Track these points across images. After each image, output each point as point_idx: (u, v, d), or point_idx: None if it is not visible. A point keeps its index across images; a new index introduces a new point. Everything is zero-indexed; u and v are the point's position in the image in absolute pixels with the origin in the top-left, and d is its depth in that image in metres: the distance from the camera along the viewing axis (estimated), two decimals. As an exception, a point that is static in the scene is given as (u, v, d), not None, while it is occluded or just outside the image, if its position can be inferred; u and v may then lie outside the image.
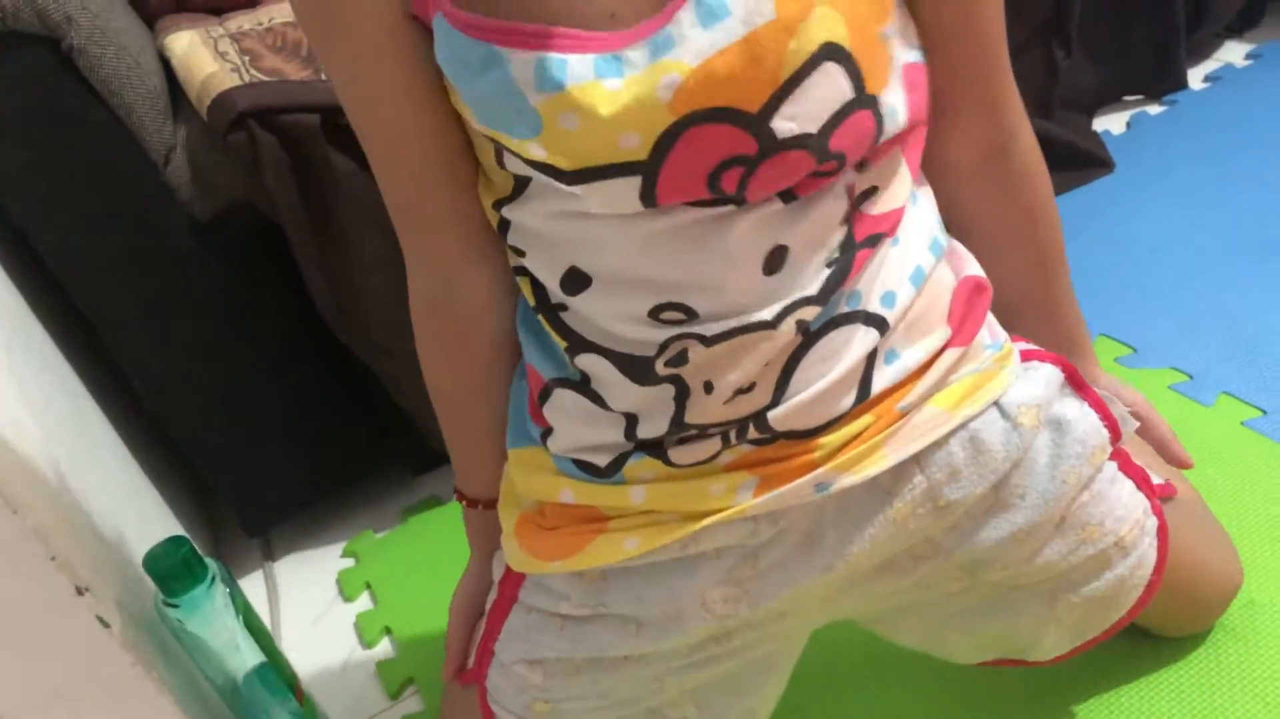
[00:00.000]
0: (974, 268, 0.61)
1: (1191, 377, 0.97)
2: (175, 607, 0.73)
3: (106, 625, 0.66)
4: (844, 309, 0.55)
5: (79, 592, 0.64)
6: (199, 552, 0.76)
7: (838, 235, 0.54)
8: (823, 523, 0.59)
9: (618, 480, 0.60)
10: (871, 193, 0.55)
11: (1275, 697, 0.70)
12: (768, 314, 0.53)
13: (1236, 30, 1.45)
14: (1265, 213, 1.14)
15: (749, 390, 0.55)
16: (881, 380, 0.57)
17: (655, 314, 0.54)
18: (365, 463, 1.10)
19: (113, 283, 0.90)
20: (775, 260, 0.53)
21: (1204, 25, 1.38)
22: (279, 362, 0.99)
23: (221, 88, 0.84)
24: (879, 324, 0.56)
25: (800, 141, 0.49)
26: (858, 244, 0.55)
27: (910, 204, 0.58)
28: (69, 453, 0.78)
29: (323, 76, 0.87)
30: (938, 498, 0.58)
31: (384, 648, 0.95)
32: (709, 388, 0.55)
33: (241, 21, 0.92)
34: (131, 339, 0.93)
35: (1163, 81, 1.38)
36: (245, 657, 0.76)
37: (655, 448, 0.58)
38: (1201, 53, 1.42)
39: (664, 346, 0.54)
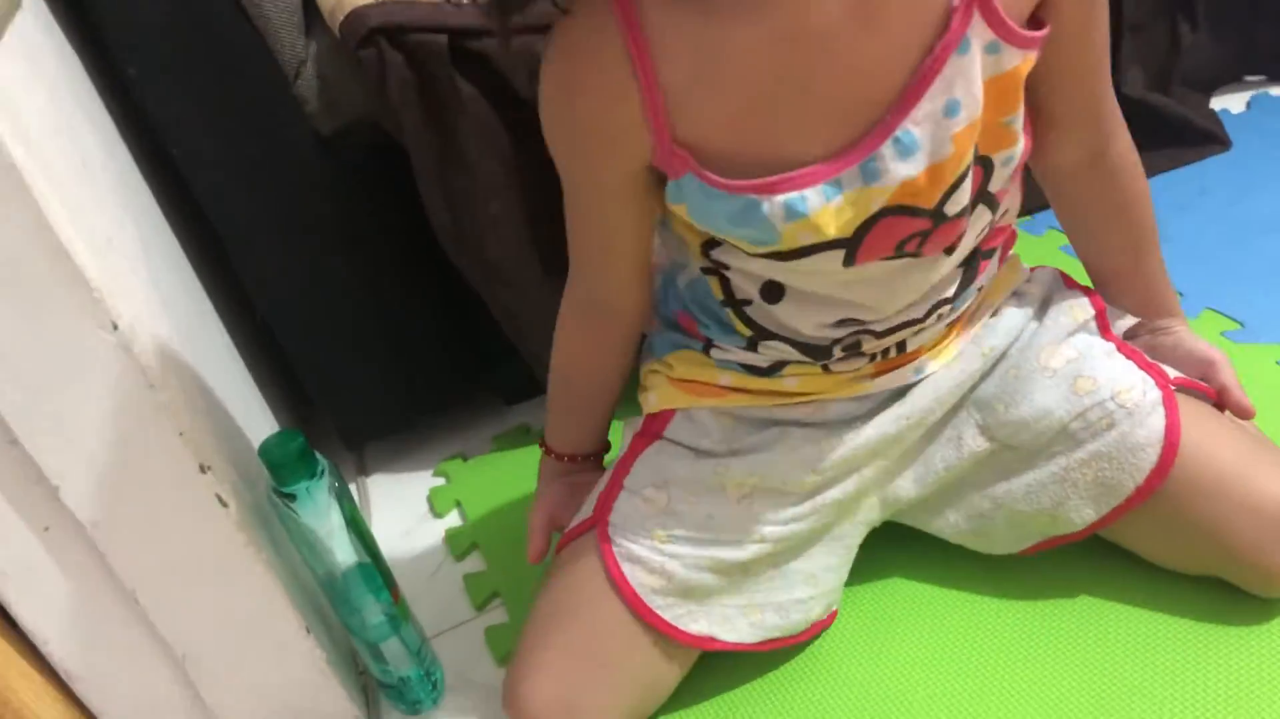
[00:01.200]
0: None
1: (1300, 353, 0.95)
2: (287, 496, 0.76)
3: (225, 505, 0.69)
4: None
5: (202, 469, 0.68)
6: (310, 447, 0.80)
7: (969, 248, 0.70)
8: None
9: (776, 375, 0.75)
10: (1002, 217, 0.71)
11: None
12: (920, 313, 0.71)
13: (1369, 16, 1.40)
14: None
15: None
16: (963, 307, 0.75)
17: (838, 324, 0.70)
18: (462, 389, 1.13)
19: (238, 190, 0.94)
20: (932, 288, 0.70)
21: (1337, 7, 1.33)
22: (390, 282, 1.02)
23: (355, 4, 0.86)
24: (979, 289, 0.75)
25: (959, 214, 0.64)
26: (982, 254, 0.72)
27: (1015, 194, 0.73)
28: (194, 345, 0.82)
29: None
30: (981, 345, 0.76)
31: (472, 562, 0.98)
32: (870, 353, 0.73)
33: (374, -59, 0.94)
34: (252, 247, 0.96)
35: (1288, 63, 1.35)
36: (348, 552, 0.79)
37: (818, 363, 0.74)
38: (1330, 37, 1.37)
39: (840, 340, 0.71)
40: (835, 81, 0.59)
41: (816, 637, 0.79)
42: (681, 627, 0.74)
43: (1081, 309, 0.77)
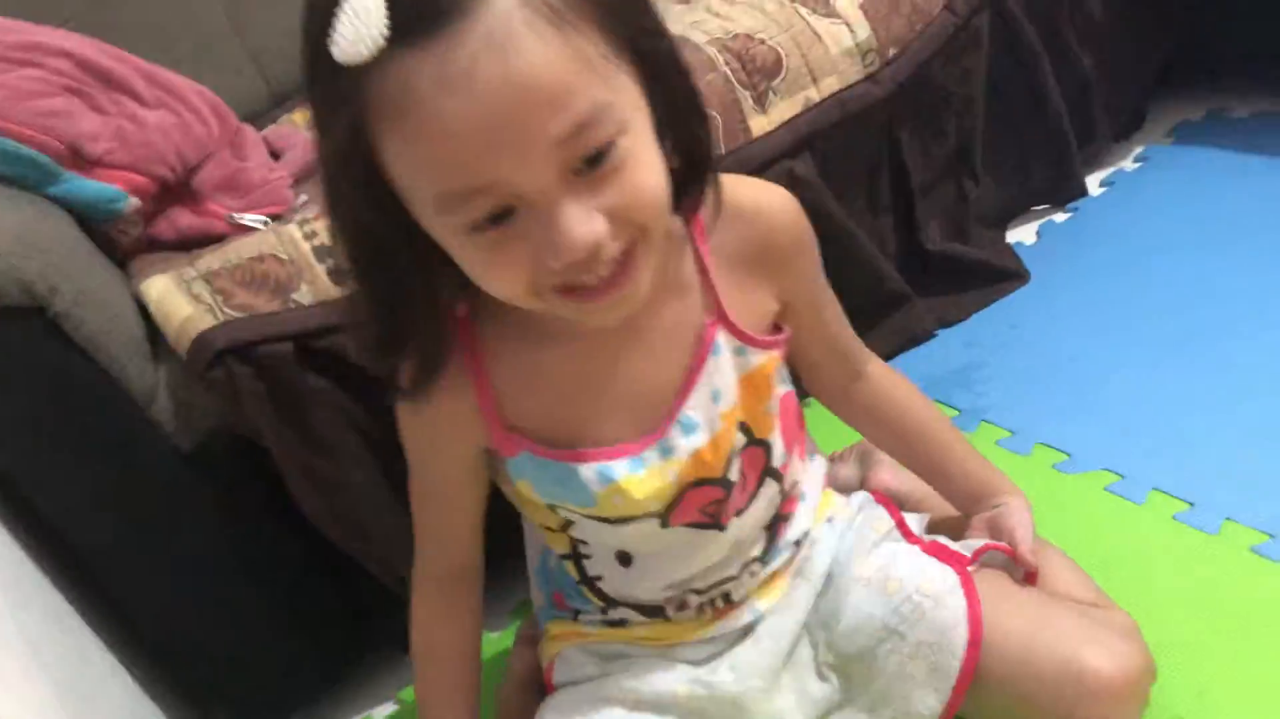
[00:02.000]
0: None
1: (1123, 476, 1.04)
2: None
3: None
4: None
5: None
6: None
7: (769, 517, 0.84)
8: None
9: (628, 627, 0.87)
10: (791, 488, 0.86)
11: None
12: (734, 570, 0.83)
13: (1123, 136, 1.57)
14: (1172, 306, 1.23)
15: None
16: (776, 562, 0.86)
17: (666, 587, 0.82)
18: (360, 649, 1.14)
19: (103, 517, 0.95)
20: (735, 549, 0.82)
21: (1093, 138, 1.50)
22: (270, 571, 1.04)
23: (198, 329, 0.91)
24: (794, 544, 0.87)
25: (740, 481, 0.79)
26: (781, 517, 0.85)
27: (804, 470, 0.89)
28: (76, 695, 0.82)
29: (291, 304, 0.95)
30: (806, 575, 0.87)
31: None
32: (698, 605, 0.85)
33: (211, 260, 0.98)
34: (124, 568, 0.97)
35: (1064, 192, 1.49)
36: None
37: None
38: (1095, 161, 1.53)
39: (671, 599, 0.84)
40: (624, 384, 0.75)
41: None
42: None
43: (883, 521, 0.88)
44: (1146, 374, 1.15)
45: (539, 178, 0.56)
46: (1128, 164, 1.53)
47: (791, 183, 1.21)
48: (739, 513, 0.81)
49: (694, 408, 0.75)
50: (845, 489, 0.95)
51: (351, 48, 0.53)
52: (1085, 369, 1.20)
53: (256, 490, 1.02)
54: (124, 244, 1.09)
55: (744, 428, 0.79)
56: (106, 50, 1.13)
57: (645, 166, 0.60)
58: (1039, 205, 1.52)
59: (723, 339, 0.76)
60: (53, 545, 0.98)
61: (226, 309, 0.93)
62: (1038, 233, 1.47)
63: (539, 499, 0.79)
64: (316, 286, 0.97)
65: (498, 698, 0.98)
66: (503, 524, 0.90)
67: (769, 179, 1.17)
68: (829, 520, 0.89)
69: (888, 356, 1.34)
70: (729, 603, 0.85)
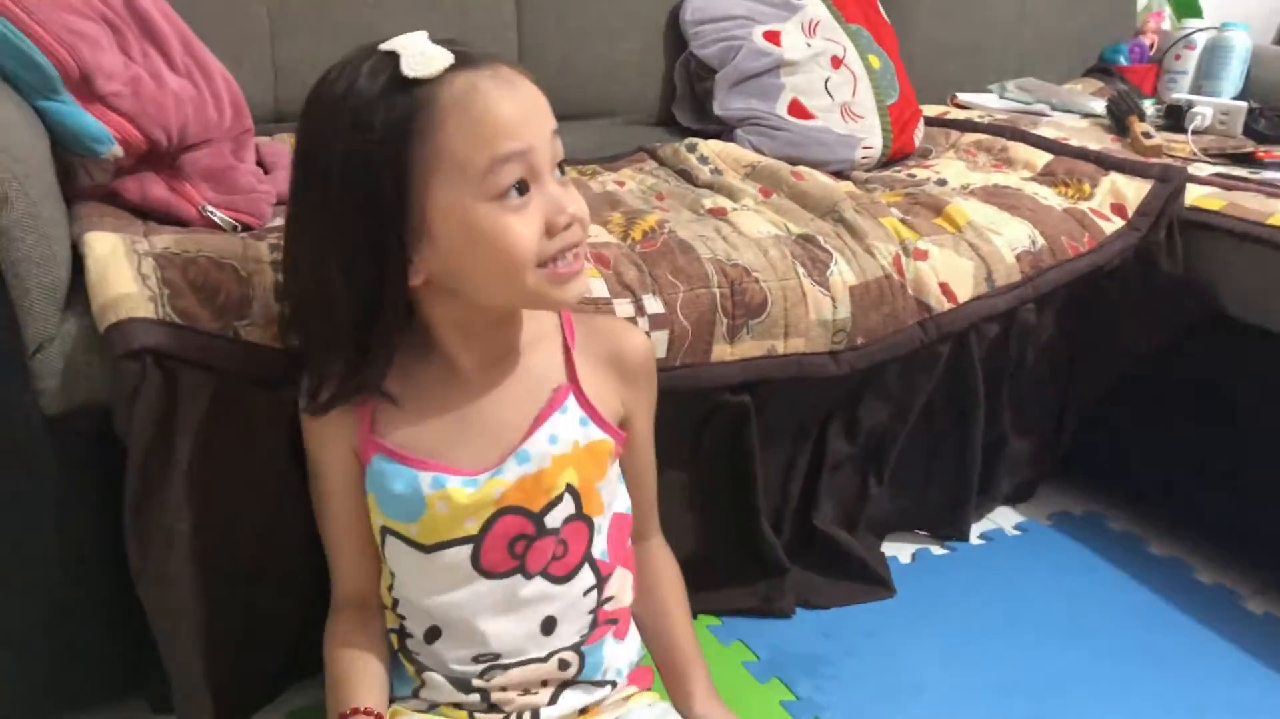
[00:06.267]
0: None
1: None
2: None
3: None
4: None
5: None
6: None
7: (586, 619, 0.92)
8: None
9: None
10: (608, 600, 0.93)
11: None
12: (542, 653, 0.90)
13: (1011, 501, 1.67)
14: (1024, 687, 1.26)
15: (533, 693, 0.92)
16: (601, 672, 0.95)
17: (475, 659, 0.89)
18: (113, 690, 1.02)
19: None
20: (545, 625, 0.90)
21: (988, 492, 1.58)
22: (58, 573, 0.95)
23: (131, 314, 0.85)
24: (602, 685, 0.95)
25: (554, 531, 0.88)
26: (600, 623, 0.93)
27: (631, 628, 0.99)
28: None
29: (231, 332, 0.89)
30: None
31: None
32: (505, 690, 0.91)
33: (168, 241, 0.93)
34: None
35: (948, 528, 1.56)
36: None
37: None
38: (981, 512, 1.62)
39: (480, 673, 0.89)
40: (483, 419, 0.87)
41: None
42: None
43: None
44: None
45: (546, 155, 0.79)
46: (1009, 528, 1.62)
47: (728, 409, 1.23)
48: (552, 578, 0.89)
49: (532, 445, 0.86)
50: None
51: (425, 67, 0.75)
52: (924, 710, 1.21)
53: (93, 483, 0.93)
54: (81, 184, 1.02)
55: (573, 492, 0.88)
56: (159, 3, 1.10)
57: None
58: (921, 530, 1.58)
59: (571, 403, 0.89)
60: None
61: (168, 306, 0.87)
62: (913, 555, 1.52)
63: (379, 519, 0.87)
64: (263, 327, 0.92)
65: None
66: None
67: (709, 403, 1.23)
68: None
69: (743, 614, 1.35)
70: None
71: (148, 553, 0.92)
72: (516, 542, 0.86)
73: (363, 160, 0.75)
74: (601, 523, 0.91)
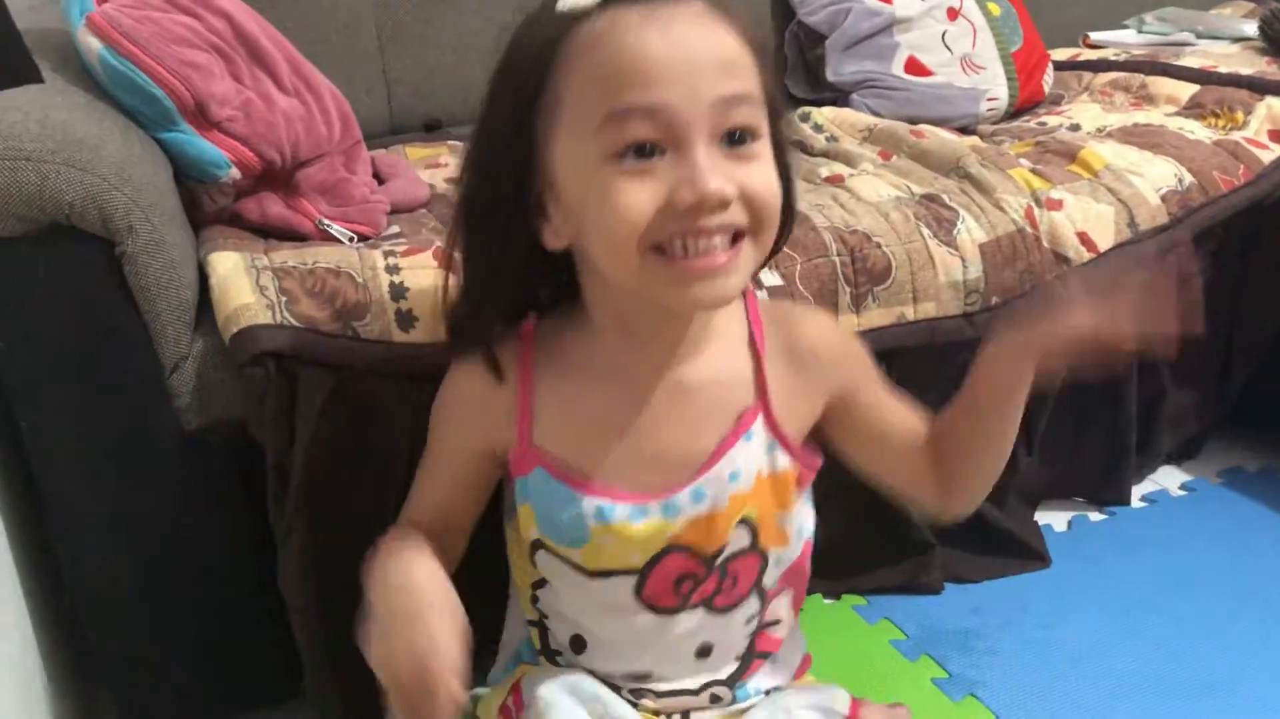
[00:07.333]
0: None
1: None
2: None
3: None
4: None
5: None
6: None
7: (743, 646, 0.85)
8: None
9: None
10: (770, 624, 0.86)
11: None
12: (695, 686, 0.84)
13: (1176, 459, 1.56)
14: (1195, 653, 1.18)
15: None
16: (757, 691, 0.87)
17: (625, 676, 0.83)
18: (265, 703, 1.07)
19: (79, 466, 0.90)
20: (700, 653, 0.83)
21: (1148, 451, 1.49)
22: (216, 588, 0.99)
23: (252, 322, 0.88)
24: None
25: (726, 573, 0.79)
26: (756, 654, 0.86)
27: (789, 640, 0.89)
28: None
29: (350, 332, 0.91)
30: None
31: None
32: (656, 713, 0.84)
33: (287, 255, 0.96)
34: (80, 524, 0.92)
35: (1106, 492, 1.47)
36: None
37: None
38: (1142, 474, 1.52)
39: (630, 689, 0.83)
40: (654, 441, 0.76)
41: None
42: None
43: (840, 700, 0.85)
44: (1146, 711, 1.10)
45: (698, 118, 0.64)
46: (1174, 488, 1.52)
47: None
48: (713, 609, 0.81)
49: (710, 482, 0.76)
50: None
51: (578, 2, 0.66)
52: (1086, 680, 1.15)
53: (237, 495, 0.97)
54: (206, 209, 1.07)
55: (749, 526, 0.78)
56: (265, 27, 1.13)
57: (770, 173, 0.69)
58: (1078, 497, 1.49)
59: (759, 428, 0.78)
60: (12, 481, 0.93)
61: (286, 312, 0.90)
62: (1069, 523, 1.45)
63: (532, 533, 0.78)
64: (382, 324, 0.93)
65: None
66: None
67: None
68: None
69: (889, 592, 1.31)
70: None
71: (287, 550, 0.95)
72: (683, 582, 0.78)
73: (502, 100, 0.69)
74: (779, 555, 0.82)
